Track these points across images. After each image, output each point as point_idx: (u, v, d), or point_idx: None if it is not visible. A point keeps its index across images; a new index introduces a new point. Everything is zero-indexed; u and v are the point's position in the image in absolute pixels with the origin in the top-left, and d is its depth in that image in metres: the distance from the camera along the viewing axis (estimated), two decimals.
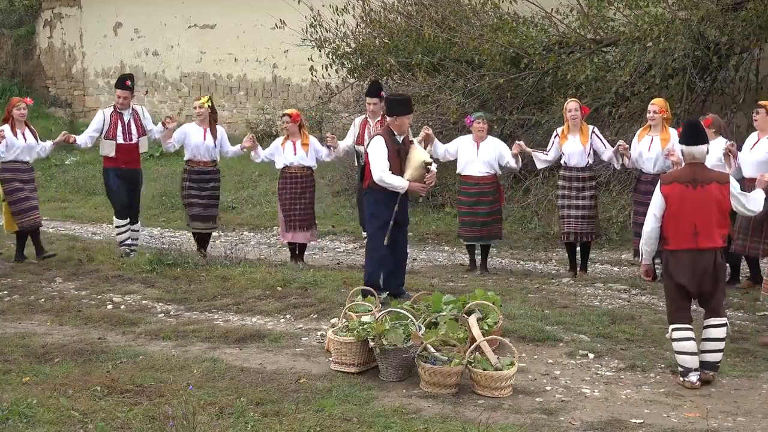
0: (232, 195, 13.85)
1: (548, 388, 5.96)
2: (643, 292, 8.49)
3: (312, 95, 16.05)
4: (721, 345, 6.15)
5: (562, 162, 9.22)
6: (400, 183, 7.59)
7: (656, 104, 8.84)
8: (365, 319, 6.23)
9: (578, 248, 9.33)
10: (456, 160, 9.41)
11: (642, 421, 5.41)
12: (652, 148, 8.74)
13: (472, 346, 5.98)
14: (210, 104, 9.79)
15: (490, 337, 6.20)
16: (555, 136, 9.22)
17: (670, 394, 5.88)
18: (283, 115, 9.87)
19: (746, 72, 12.19)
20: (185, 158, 9.84)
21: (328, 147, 9.62)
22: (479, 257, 9.49)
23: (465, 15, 12.79)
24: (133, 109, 9.69)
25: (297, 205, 9.53)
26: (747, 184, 8.07)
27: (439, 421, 5.28)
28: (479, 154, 9.22)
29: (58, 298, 8.15)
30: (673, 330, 6.14)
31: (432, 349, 5.97)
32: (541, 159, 9.35)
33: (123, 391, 5.69)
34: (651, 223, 6.24)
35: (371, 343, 6.02)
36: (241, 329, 7.15)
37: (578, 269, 9.30)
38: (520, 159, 9.31)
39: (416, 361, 5.95)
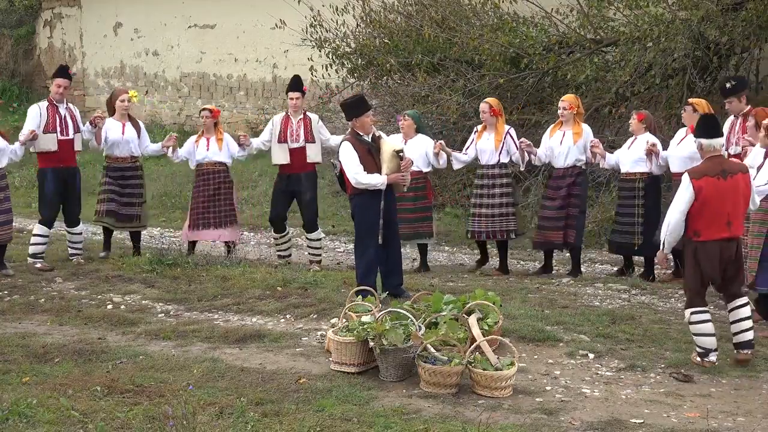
0: None
1: (548, 388, 5.96)
2: (643, 292, 8.49)
3: (312, 95, 16.04)
4: (750, 323, 6.39)
5: (478, 160, 9.38)
6: (377, 180, 7.61)
7: (566, 100, 9.07)
8: (365, 319, 6.23)
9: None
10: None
11: (642, 421, 5.41)
12: (564, 142, 8.97)
13: (472, 346, 5.98)
14: (137, 99, 9.57)
15: (490, 337, 6.20)
16: (474, 133, 9.37)
17: (670, 394, 5.88)
18: (203, 109, 9.72)
19: (746, 72, 12.19)
20: (104, 154, 9.53)
21: (241, 145, 9.60)
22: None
23: (465, 15, 12.79)
24: (67, 103, 9.31)
25: (212, 202, 9.45)
26: (674, 179, 8.41)
27: (439, 421, 5.27)
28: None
29: (58, 298, 8.15)
30: (691, 314, 6.35)
31: (432, 349, 5.97)
32: (459, 159, 9.42)
33: (123, 391, 5.69)
34: (677, 216, 6.31)
35: (371, 343, 6.02)
36: (241, 329, 7.16)
37: (486, 265, 9.50)
38: (444, 157, 9.31)
39: (416, 361, 5.95)
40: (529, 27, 12.33)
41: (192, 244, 9.73)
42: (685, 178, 6.30)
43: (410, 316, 6.22)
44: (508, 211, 9.15)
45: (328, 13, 13.56)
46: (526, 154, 9.08)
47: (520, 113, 12.04)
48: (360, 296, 7.04)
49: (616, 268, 9.32)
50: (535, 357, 6.54)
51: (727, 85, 8.38)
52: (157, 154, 10.17)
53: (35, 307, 7.93)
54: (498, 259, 9.49)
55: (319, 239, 9.75)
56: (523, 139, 9.16)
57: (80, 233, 9.60)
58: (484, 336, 6.10)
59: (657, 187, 8.85)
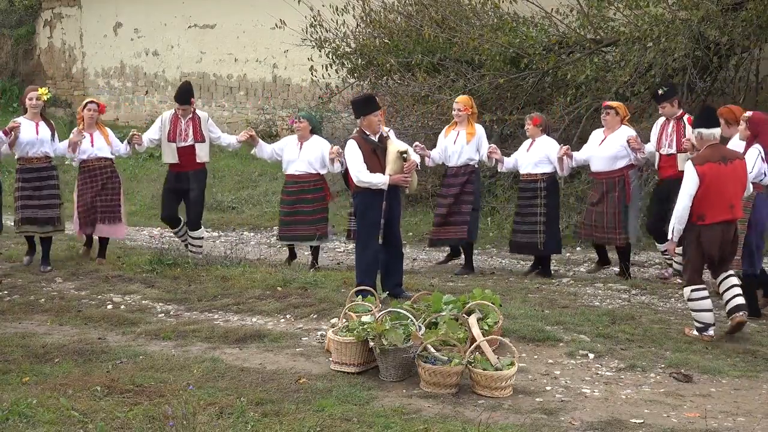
0: (233, 195, 13.85)
1: (548, 388, 5.96)
2: (643, 292, 8.49)
3: (312, 95, 16.06)
4: (739, 289, 6.87)
5: None
6: (379, 179, 7.63)
7: (460, 102, 9.41)
8: (365, 319, 6.23)
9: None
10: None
11: (642, 421, 5.41)
12: (458, 141, 9.28)
13: (472, 346, 5.98)
14: (47, 97, 9.16)
15: (490, 337, 6.20)
16: None
17: (670, 394, 5.88)
18: (90, 102, 9.44)
19: (746, 72, 12.20)
20: (16, 156, 9.03)
21: (130, 144, 9.48)
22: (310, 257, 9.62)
23: (465, 15, 12.78)
24: None
25: (98, 199, 9.24)
26: (595, 179, 9.03)
27: (439, 421, 5.27)
28: (301, 154, 9.26)
29: (58, 298, 8.15)
30: (691, 291, 6.78)
31: (432, 349, 5.97)
32: None
33: (123, 391, 5.69)
34: (685, 202, 6.70)
35: (371, 343, 6.02)
36: (241, 329, 7.16)
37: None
38: (338, 163, 9.22)
39: (416, 361, 5.95)
40: (529, 27, 12.32)
41: (89, 239, 9.61)
42: (689, 166, 6.70)
43: (410, 316, 6.22)
44: None
45: (328, 13, 13.56)
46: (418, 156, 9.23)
47: (520, 113, 12.04)
48: (360, 296, 7.04)
49: (527, 267, 9.62)
50: (535, 357, 6.54)
51: (659, 91, 8.81)
52: (64, 153, 9.47)
53: (35, 307, 7.93)
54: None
55: (202, 237, 9.97)
56: (416, 143, 9.35)
57: None
58: (484, 336, 6.11)
59: (556, 187, 9.27)
